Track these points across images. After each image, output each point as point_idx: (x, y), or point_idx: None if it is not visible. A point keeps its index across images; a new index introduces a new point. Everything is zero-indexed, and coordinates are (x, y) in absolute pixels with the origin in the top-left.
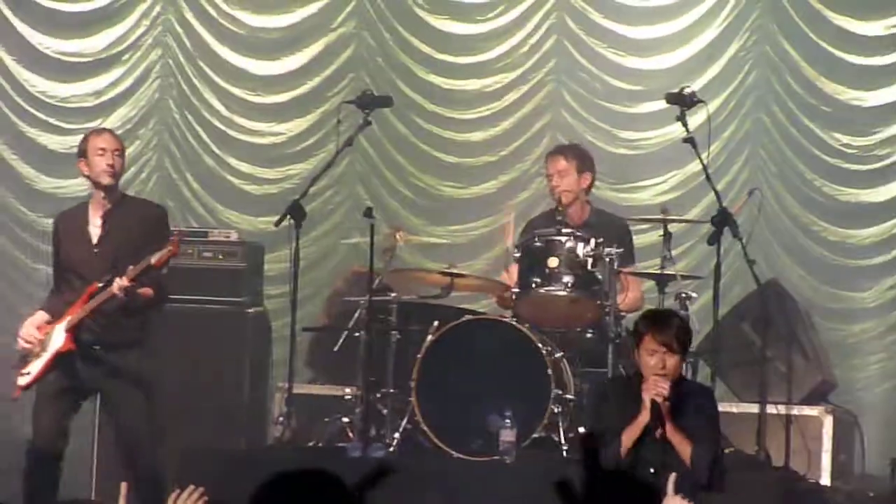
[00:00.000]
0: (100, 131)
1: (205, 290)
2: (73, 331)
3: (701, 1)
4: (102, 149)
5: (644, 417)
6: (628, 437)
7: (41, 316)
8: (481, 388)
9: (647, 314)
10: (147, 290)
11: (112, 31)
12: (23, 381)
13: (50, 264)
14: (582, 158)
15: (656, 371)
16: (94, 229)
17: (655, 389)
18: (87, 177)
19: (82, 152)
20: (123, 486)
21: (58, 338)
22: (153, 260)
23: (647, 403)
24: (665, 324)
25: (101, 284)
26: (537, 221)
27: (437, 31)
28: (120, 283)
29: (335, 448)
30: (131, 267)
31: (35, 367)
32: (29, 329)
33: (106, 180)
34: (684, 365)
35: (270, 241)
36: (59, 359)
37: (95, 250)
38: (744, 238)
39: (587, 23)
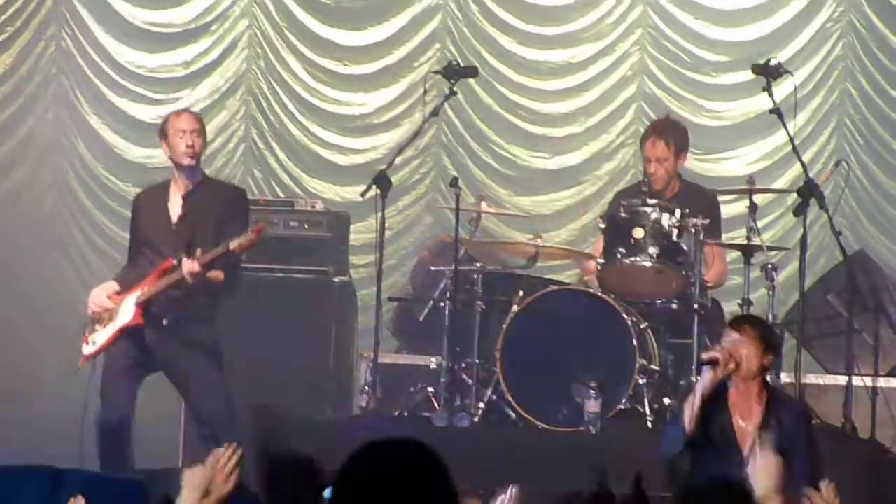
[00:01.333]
0: (179, 112)
1: (291, 260)
2: (143, 305)
3: None
4: (183, 130)
5: (704, 382)
6: (688, 406)
7: (112, 285)
8: (566, 359)
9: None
10: (217, 274)
11: (200, 1)
12: (87, 350)
13: None
14: (681, 138)
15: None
16: (175, 207)
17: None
18: (170, 158)
19: (163, 133)
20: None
21: (127, 311)
22: (232, 245)
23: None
24: (742, 320)
25: (175, 262)
26: (626, 192)
27: (523, 1)
28: (190, 266)
29: (420, 417)
30: (199, 251)
31: (101, 336)
32: (100, 295)
33: (186, 161)
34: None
35: (356, 211)
36: (126, 332)
37: (174, 228)
38: (830, 209)
39: None
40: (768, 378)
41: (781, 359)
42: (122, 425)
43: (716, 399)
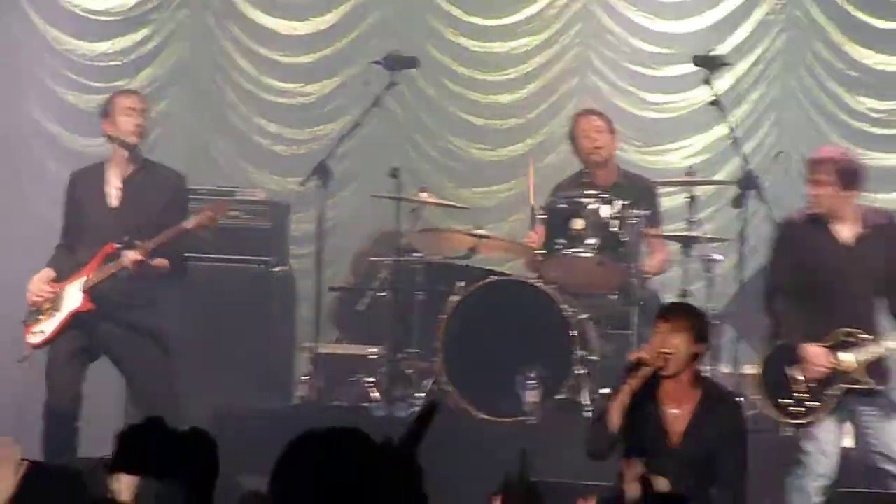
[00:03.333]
0: (127, 92)
1: (230, 249)
2: (90, 291)
3: None
4: (131, 108)
5: (630, 383)
6: (615, 406)
7: (48, 273)
8: (506, 349)
9: (660, 307)
10: (162, 262)
11: None
12: (34, 339)
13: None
14: (610, 120)
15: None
16: (114, 191)
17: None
18: (110, 136)
19: (106, 112)
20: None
21: (74, 297)
22: (189, 224)
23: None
24: (673, 311)
25: (118, 246)
26: (565, 184)
27: None
28: (132, 255)
29: (360, 408)
30: (147, 240)
31: (49, 325)
32: (39, 285)
33: (133, 139)
34: (702, 361)
35: (298, 202)
36: (75, 318)
37: (113, 211)
38: (770, 201)
39: None
40: (702, 368)
41: (716, 348)
42: (68, 413)
43: (645, 391)
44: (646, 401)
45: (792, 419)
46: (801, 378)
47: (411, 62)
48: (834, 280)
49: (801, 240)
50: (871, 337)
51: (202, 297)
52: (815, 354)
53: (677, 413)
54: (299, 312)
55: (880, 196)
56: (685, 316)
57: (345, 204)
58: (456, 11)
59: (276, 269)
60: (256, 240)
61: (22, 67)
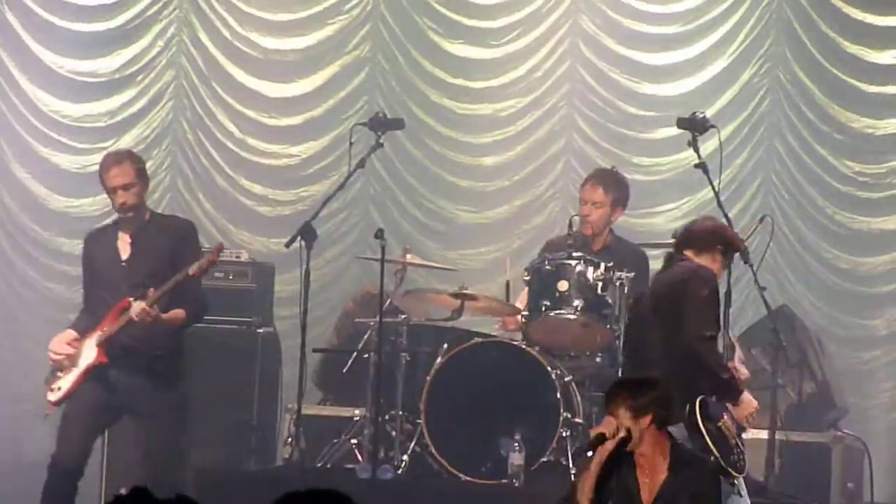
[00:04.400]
0: (108, 165)
1: (215, 310)
2: (104, 344)
3: (715, 28)
4: (113, 188)
5: (596, 460)
6: (585, 483)
7: (69, 333)
8: (490, 411)
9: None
10: (177, 314)
11: (126, 51)
12: (53, 396)
13: (65, 283)
14: (620, 192)
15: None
16: (124, 245)
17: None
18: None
19: (101, 182)
20: (123, 490)
21: (89, 352)
22: (191, 270)
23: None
24: (616, 390)
25: (131, 300)
26: (553, 245)
27: (451, 55)
28: (138, 307)
29: (344, 469)
30: (151, 290)
31: (66, 382)
32: (59, 343)
33: (122, 215)
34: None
35: (283, 263)
36: (92, 374)
37: (124, 265)
38: (755, 264)
39: (601, 49)
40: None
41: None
42: (72, 473)
43: (618, 458)
44: (619, 471)
45: (739, 473)
46: (735, 429)
47: (398, 124)
48: None
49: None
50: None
51: (186, 356)
52: (752, 401)
53: (647, 482)
54: (283, 373)
55: (866, 259)
56: (620, 394)
57: (330, 265)
58: (441, 73)
59: (261, 329)
60: (241, 300)
61: (6, 127)
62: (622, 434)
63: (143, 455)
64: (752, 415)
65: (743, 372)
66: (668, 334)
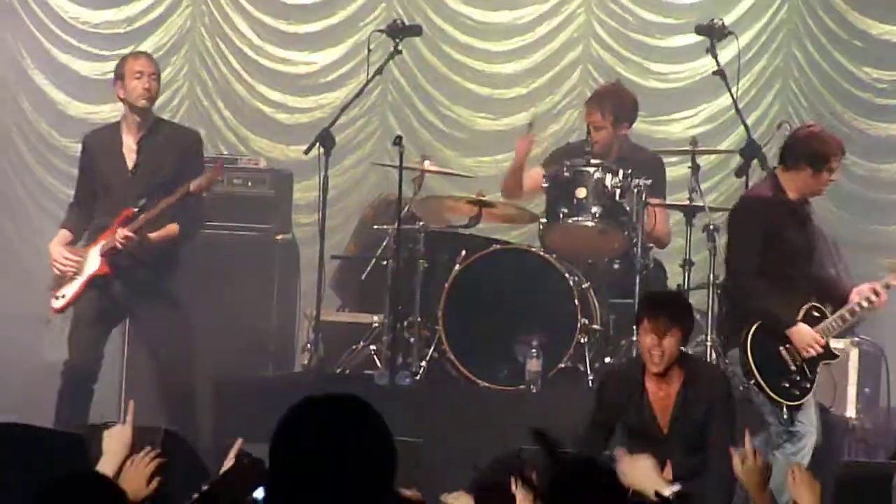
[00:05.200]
0: (137, 55)
1: (233, 217)
2: (108, 254)
3: None
4: (140, 72)
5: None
6: None
7: (64, 236)
8: (508, 318)
9: (645, 298)
10: (171, 229)
11: None
12: (57, 303)
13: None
14: (621, 109)
15: (652, 353)
16: (130, 153)
17: None
18: (123, 100)
19: (119, 75)
20: (131, 403)
21: (93, 261)
22: (192, 186)
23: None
24: (660, 307)
25: (136, 210)
26: (571, 151)
27: None
28: (122, 232)
29: (362, 375)
30: (141, 218)
31: (70, 289)
32: (61, 251)
33: (141, 103)
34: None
35: (301, 170)
36: (94, 281)
37: (130, 175)
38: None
39: None
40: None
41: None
42: (86, 378)
43: (632, 380)
44: (633, 389)
45: (789, 400)
46: (793, 358)
47: (416, 30)
48: (802, 255)
49: (773, 216)
50: (829, 310)
51: (205, 264)
52: (808, 334)
53: (663, 396)
54: (302, 280)
55: (884, 166)
56: (671, 316)
57: (349, 172)
58: None
59: (279, 237)
60: (259, 208)
61: (26, 35)
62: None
63: (150, 361)
64: (810, 346)
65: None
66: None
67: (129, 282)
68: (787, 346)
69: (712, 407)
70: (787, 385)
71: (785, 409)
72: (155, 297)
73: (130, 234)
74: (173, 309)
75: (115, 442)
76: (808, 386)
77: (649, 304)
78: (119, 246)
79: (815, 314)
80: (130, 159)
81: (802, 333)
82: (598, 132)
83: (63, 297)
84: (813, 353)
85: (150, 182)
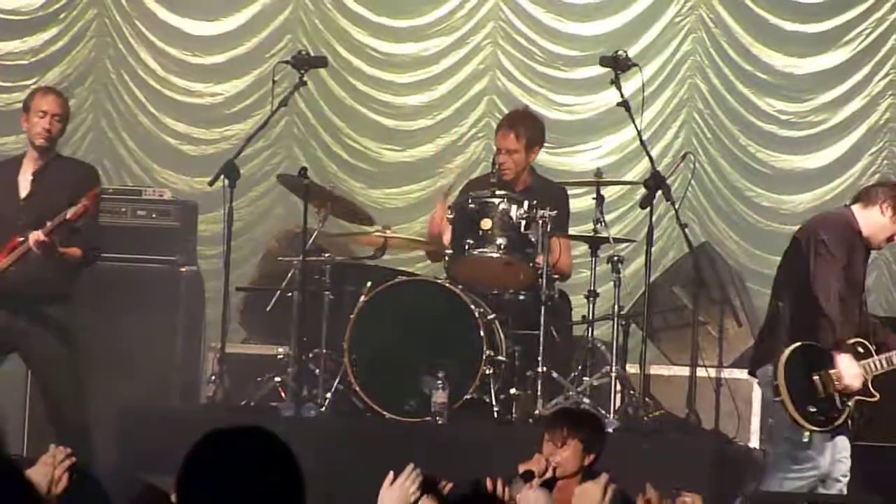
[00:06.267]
0: (46, 91)
1: (138, 249)
2: None
3: None
4: (43, 111)
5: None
6: None
7: None
8: (414, 349)
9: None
10: (73, 251)
11: None
12: None
13: None
14: (533, 132)
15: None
16: (25, 183)
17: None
18: (26, 132)
19: (25, 107)
20: (52, 447)
21: None
22: (68, 214)
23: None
24: (561, 419)
25: (21, 238)
26: (476, 183)
27: None
28: (35, 236)
29: (268, 407)
30: (48, 222)
31: None
32: None
33: (38, 142)
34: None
35: (206, 202)
36: None
37: (22, 203)
38: (677, 202)
39: None
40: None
41: (623, 349)
42: None
43: None
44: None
45: (812, 425)
46: (824, 387)
47: (321, 62)
48: (858, 291)
49: (855, 244)
50: (874, 349)
51: (109, 295)
52: (853, 366)
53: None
54: (207, 313)
55: (787, 197)
56: (573, 428)
57: (254, 205)
58: (364, 12)
59: (184, 268)
60: (164, 239)
61: None
62: (549, 474)
63: (44, 398)
64: (854, 377)
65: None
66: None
67: (16, 315)
68: (821, 373)
69: None
70: (812, 410)
71: (805, 434)
72: (45, 331)
73: (43, 238)
74: (63, 344)
75: (35, 476)
76: (836, 416)
77: (551, 419)
78: (34, 248)
79: (860, 350)
80: (24, 189)
81: (847, 364)
82: (510, 156)
83: None
84: (854, 386)
85: (40, 213)
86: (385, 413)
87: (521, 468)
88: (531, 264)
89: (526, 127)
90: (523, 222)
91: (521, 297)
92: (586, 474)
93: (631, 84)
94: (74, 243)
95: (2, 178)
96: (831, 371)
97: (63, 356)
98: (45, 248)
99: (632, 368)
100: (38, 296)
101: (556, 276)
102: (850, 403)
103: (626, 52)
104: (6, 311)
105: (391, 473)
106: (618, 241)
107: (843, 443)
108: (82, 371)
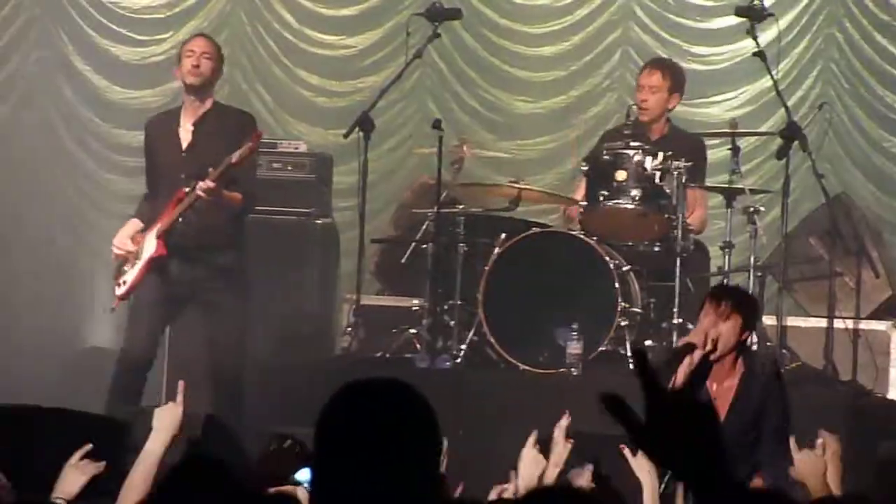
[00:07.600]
0: (194, 36)
1: (273, 202)
2: (164, 236)
3: None
4: (191, 50)
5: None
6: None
7: (134, 224)
8: (548, 301)
9: (712, 287)
10: (235, 195)
11: None
12: (119, 291)
13: (126, 175)
14: (676, 78)
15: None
16: (185, 134)
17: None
18: (183, 82)
19: (177, 58)
20: (181, 383)
21: (149, 245)
22: (234, 158)
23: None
24: (723, 294)
25: (187, 189)
26: (611, 135)
27: None
28: (203, 184)
29: (402, 359)
30: (211, 169)
31: (130, 276)
32: (122, 238)
33: (189, 79)
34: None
35: (340, 154)
36: (153, 265)
37: (184, 154)
38: (813, 153)
39: None
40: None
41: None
42: (140, 367)
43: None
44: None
45: None
46: None
47: (455, 13)
48: None
49: None
50: None
51: (246, 248)
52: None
53: (720, 390)
54: (342, 265)
55: None
56: (736, 304)
57: (388, 156)
58: None
59: (319, 221)
60: (299, 192)
61: (67, 20)
62: (710, 346)
63: (206, 343)
64: None
65: None
66: None
67: (190, 264)
68: None
69: (767, 401)
70: None
71: None
72: (218, 280)
73: (212, 185)
74: (238, 293)
75: (165, 419)
76: None
77: (714, 292)
78: (203, 196)
79: None
80: (185, 140)
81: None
82: (652, 94)
83: (124, 283)
84: None
85: (202, 163)
86: (519, 364)
87: (681, 341)
88: (666, 215)
89: (672, 71)
90: (658, 173)
91: (656, 249)
92: (740, 351)
93: (766, 34)
94: (233, 190)
95: (162, 131)
96: None
97: (237, 305)
98: (212, 193)
99: (768, 320)
100: (210, 245)
101: (691, 228)
102: None
103: (761, 1)
104: (179, 261)
105: (535, 433)
106: (754, 192)
107: None
108: (248, 317)
